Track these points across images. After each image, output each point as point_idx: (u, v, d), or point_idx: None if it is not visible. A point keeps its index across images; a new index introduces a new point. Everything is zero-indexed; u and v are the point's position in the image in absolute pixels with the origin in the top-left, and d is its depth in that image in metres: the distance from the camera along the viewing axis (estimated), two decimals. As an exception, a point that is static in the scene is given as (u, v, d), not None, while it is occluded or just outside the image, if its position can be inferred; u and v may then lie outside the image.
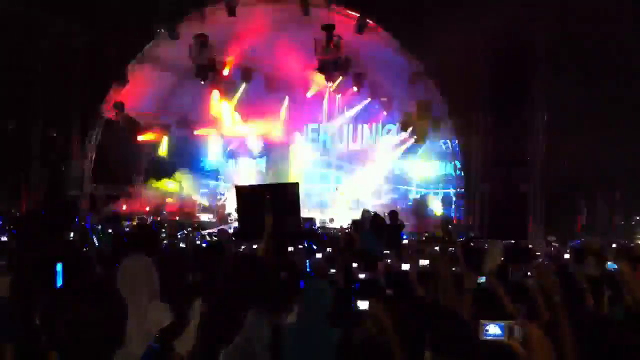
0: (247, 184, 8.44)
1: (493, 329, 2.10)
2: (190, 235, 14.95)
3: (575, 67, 18.93)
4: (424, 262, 5.73)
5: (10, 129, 25.23)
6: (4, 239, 10.12)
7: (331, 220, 23.59)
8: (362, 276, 6.16)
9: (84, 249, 8.03)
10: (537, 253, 11.05)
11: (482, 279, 4.46)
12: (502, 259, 5.36)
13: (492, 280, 3.82)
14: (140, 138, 27.35)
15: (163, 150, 28.79)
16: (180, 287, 4.50)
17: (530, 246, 12.78)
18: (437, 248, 8.38)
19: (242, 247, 9.40)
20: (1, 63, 21.27)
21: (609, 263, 5.05)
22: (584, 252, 7.18)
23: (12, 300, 4.24)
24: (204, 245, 11.00)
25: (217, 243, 9.73)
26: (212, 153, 30.01)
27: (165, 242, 11.39)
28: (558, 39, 19.49)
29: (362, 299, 3.78)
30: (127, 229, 14.33)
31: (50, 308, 2.02)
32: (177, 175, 27.83)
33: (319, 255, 8.77)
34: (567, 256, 9.99)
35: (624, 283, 3.66)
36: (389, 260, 7.36)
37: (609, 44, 18.77)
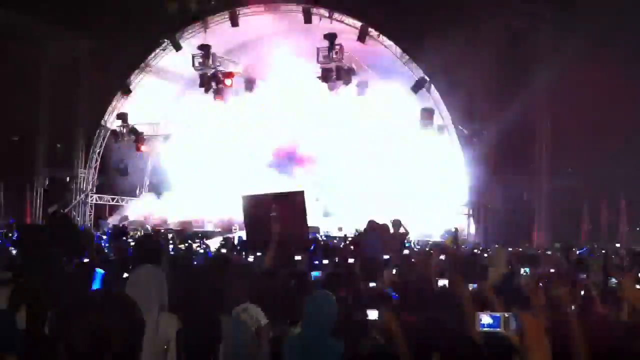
0: (253, 193, 8.41)
1: (487, 320, 2.12)
2: (195, 245, 14.89)
3: (579, 74, 18.91)
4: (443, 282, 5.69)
5: (15, 140, 25.33)
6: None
7: (339, 229, 23.48)
8: (367, 285, 6.12)
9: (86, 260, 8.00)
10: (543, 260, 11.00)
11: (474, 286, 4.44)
12: (509, 266, 5.34)
13: (488, 289, 3.79)
14: (143, 148, 27.35)
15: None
16: (190, 299, 4.48)
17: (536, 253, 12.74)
18: (442, 257, 8.35)
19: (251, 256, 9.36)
20: (6, 75, 21.36)
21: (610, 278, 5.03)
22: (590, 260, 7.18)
23: (11, 310, 4.23)
24: (209, 256, 10.96)
25: (221, 255, 9.70)
26: (215, 161, 29.99)
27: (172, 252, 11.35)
28: (561, 41, 19.49)
29: (370, 308, 3.75)
30: (131, 241, 14.28)
31: (66, 317, 1.99)
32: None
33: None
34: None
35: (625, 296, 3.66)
36: (394, 271, 7.31)
37: (612, 47, 18.77)
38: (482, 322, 2.13)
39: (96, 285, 4.06)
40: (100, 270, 4.20)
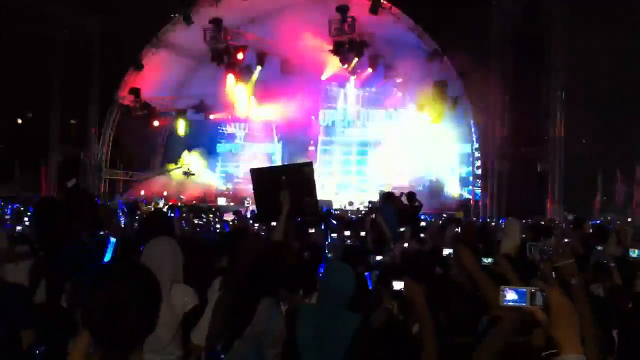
0: (262, 166, 8.41)
1: (512, 295, 2.10)
2: (209, 219, 14.94)
3: (595, 44, 18.65)
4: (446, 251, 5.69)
5: (29, 117, 25.48)
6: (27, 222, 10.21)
7: (350, 203, 23.55)
8: (379, 258, 6.11)
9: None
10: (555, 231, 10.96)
11: (489, 260, 4.42)
12: (522, 237, 5.32)
13: (502, 261, 3.76)
14: (156, 123, 27.41)
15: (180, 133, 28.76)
16: (204, 272, 4.51)
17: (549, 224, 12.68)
18: (458, 229, 8.33)
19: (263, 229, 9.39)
20: (19, 52, 21.40)
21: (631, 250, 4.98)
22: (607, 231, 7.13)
23: (32, 283, 4.28)
24: (226, 229, 10.98)
25: (239, 228, 9.74)
26: (228, 137, 30.09)
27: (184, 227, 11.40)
28: (576, 14, 19.20)
29: (397, 279, 3.74)
30: (144, 215, 14.38)
31: (83, 287, 2.01)
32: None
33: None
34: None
35: None
36: (406, 244, 7.28)
37: (628, 20, 18.48)
38: (506, 297, 2.10)
39: (109, 254, 4.09)
40: (113, 239, 4.22)
